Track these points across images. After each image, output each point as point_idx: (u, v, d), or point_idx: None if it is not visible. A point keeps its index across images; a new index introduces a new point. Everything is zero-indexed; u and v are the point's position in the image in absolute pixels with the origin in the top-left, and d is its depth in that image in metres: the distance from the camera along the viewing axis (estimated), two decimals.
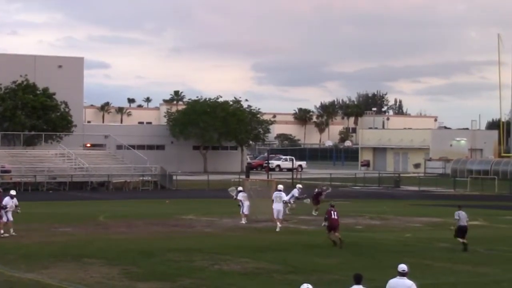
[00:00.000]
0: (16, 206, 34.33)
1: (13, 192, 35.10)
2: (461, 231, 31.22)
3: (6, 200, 34.07)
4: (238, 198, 40.46)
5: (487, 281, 24.15)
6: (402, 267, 16.12)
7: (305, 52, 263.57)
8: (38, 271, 24.73)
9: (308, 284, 14.47)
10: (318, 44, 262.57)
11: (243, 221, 39.50)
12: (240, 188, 41.79)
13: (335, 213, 31.16)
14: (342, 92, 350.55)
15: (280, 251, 29.72)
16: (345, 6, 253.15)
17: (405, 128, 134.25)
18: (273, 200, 37.60)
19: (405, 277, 15.96)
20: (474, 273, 25.59)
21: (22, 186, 66.35)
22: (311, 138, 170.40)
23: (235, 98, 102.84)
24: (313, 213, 44.50)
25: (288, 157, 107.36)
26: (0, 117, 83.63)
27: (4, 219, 33.62)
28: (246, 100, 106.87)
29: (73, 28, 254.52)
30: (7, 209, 33.76)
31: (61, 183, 69.17)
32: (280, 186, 39.03)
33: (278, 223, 37.00)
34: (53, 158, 74.87)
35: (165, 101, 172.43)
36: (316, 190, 46.91)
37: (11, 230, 33.69)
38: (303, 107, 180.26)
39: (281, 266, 26.33)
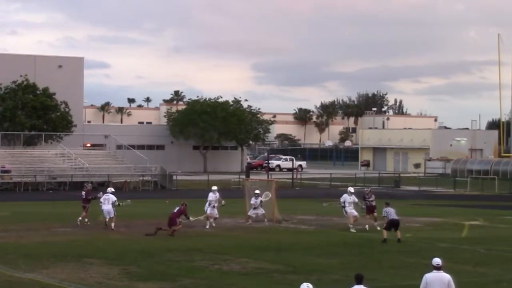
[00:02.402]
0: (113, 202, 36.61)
1: (111, 189, 37.55)
2: (394, 224, 32.63)
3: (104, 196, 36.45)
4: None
5: (487, 281, 24.15)
6: (437, 261, 15.93)
7: (305, 52, 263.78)
8: (38, 271, 24.73)
9: (308, 284, 14.47)
10: (318, 44, 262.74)
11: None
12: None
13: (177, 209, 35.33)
14: (342, 92, 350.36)
15: (280, 251, 29.71)
16: (345, 6, 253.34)
17: (405, 128, 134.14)
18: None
19: (441, 271, 15.79)
20: (474, 273, 25.57)
21: (22, 186, 66.43)
22: (311, 138, 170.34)
23: (235, 98, 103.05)
24: (377, 227, 36.85)
25: (289, 157, 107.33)
26: (0, 117, 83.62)
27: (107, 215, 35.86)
28: (246, 100, 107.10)
29: (73, 28, 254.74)
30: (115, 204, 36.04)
31: (61, 183, 69.14)
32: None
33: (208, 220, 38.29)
34: (53, 158, 74.84)
35: (165, 101, 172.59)
36: (366, 198, 38.81)
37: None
38: (303, 107, 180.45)
39: (281, 266, 26.32)
